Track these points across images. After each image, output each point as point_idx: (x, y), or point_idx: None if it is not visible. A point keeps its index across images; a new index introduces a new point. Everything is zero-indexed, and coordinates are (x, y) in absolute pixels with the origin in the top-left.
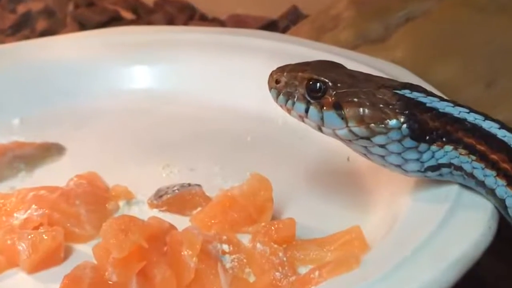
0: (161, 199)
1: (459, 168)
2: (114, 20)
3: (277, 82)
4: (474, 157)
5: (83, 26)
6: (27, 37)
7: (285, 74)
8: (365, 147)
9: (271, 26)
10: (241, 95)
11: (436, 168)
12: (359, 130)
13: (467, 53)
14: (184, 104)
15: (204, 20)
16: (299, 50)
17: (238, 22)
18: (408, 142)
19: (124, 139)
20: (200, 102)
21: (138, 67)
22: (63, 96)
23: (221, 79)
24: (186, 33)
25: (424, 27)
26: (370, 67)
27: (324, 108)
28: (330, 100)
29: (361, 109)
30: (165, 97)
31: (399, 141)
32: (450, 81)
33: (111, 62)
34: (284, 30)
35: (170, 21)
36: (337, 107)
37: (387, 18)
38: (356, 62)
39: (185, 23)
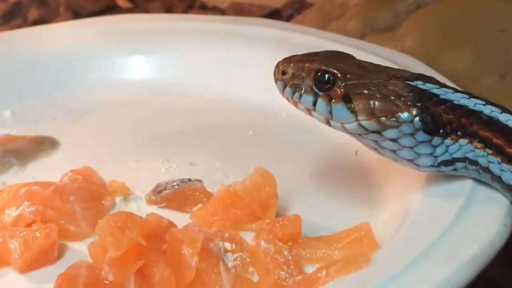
0: (160, 195)
1: (474, 163)
2: (109, 9)
3: (284, 73)
4: (490, 151)
5: (77, 15)
6: (19, 27)
7: (291, 65)
8: (376, 141)
9: (274, 15)
10: (243, 86)
11: (450, 162)
12: (369, 124)
13: (480, 42)
14: (184, 96)
15: (204, 8)
16: (304, 39)
17: (240, 10)
18: (421, 136)
19: (120, 132)
20: (200, 94)
21: (135, 57)
22: (56, 87)
23: (222, 69)
24: (185, 21)
25: (435, 15)
26: (378, 57)
27: (333, 100)
28: (339, 92)
29: (371, 102)
30: (163, 88)
31: (412, 134)
32: (462, 71)
33: (107, 52)
34: (288, 19)
35: (169, 10)
36: (346, 99)
37: (396, 6)
38: (364, 51)
39: (184, 12)
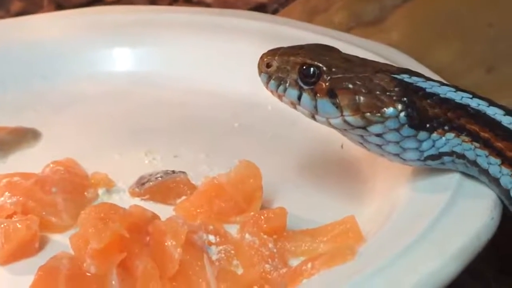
0: (143, 187)
1: (461, 156)
2: (94, 1)
3: (268, 66)
4: (478, 144)
5: (60, 7)
6: (1, 18)
7: (276, 57)
8: (361, 136)
9: (260, 8)
10: (228, 79)
11: (437, 157)
12: (354, 119)
13: (467, 36)
14: (168, 88)
15: (190, 2)
16: (290, 32)
17: (225, 4)
18: (406, 131)
19: (104, 124)
20: (184, 86)
21: (119, 49)
22: (39, 78)
23: (207, 62)
24: (170, 13)
25: (422, 9)
26: (365, 50)
27: (318, 95)
28: (324, 86)
29: (356, 97)
30: (148, 81)
31: (397, 130)
32: (449, 65)
33: (90, 43)
34: (273, 13)
35: (153, 2)
36: (331, 94)
37: None
38: (350, 45)
39: (169, 4)
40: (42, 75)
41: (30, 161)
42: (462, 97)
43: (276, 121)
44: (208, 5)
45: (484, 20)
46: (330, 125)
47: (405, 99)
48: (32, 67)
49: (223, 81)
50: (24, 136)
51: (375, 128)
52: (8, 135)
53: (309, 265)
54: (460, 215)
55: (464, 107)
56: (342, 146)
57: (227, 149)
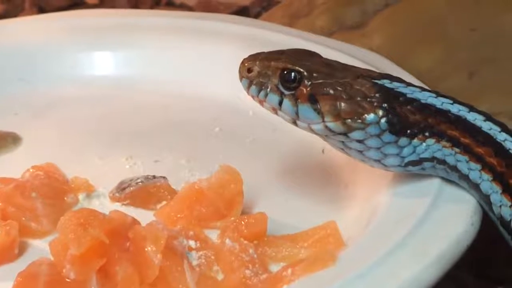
0: (123, 192)
1: (442, 162)
2: (76, 5)
3: (249, 71)
4: (458, 150)
5: (42, 10)
6: None
7: (257, 62)
8: (342, 142)
9: (242, 12)
10: (209, 83)
11: (417, 162)
12: (335, 126)
13: (449, 41)
14: (149, 92)
15: (171, 5)
16: (272, 36)
17: (207, 7)
18: (387, 137)
19: (84, 128)
20: (165, 90)
21: (100, 52)
22: (19, 82)
23: (189, 66)
24: (151, 17)
25: (404, 13)
26: (346, 55)
27: (299, 101)
28: (305, 91)
29: (337, 103)
30: (128, 85)
31: (378, 135)
32: (430, 70)
33: (71, 47)
34: (256, 17)
35: (135, 6)
36: (312, 100)
37: (365, 3)
38: (332, 49)
39: (151, 8)
40: (22, 78)
41: (10, 165)
42: (443, 102)
43: (257, 126)
44: (190, 9)
45: (467, 24)
46: (311, 130)
47: (385, 105)
48: (12, 71)
49: (205, 85)
50: (4, 141)
51: (356, 134)
52: None
53: (290, 270)
54: (440, 221)
55: (445, 113)
56: (323, 151)
57: (208, 154)
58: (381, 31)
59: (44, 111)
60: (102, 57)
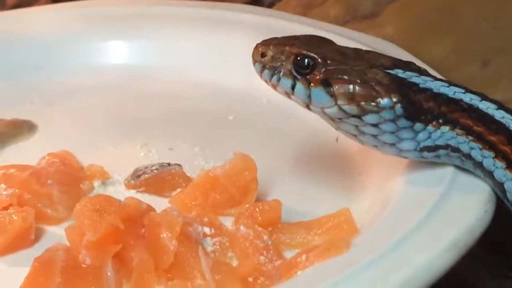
0: (138, 179)
1: (456, 150)
2: None
3: (263, 55)
4: (471, 138)
5: (56, 1)
6: None
7: (271, 47)
8: (356, 126)
9: (256, 1)
10: (223, 71)
11: (433, 149)
12: (349, 108)
13: (462, 31)
14: (163, 81)
15: None
16: (286, 25)
17: None
18: (403, 122)
19: (99, 116)
20: (179, 79)
21: (114, 41)
22: (35, 71)
23: (202, 55)
24: (165, 6)
25: (417, 3)
26: (360, 44)
27: (312, 84)
28: (318, 76)
29: (351, 86)
30: (142, 73)
31: (393, 120)
32: (444, 59)
33: (85, 36)
34: (270, 6)
35: None
36: (325, 84)
37: None
38: (345, 38)
39: None
40: (37, 67)
41: (26, 153)
42: (455, 92)
43: (271, 114)
44: None
45: (479, 14)
46: (325, 114)
47: (400, 92)
48: (27, 60)
49: (219, 74)
50: (20, 129)
51: (371, 118)
52: (4, 127)
53: (304, 257)
54: (454, 208)
55: (457, 102)
56: (337, 140)
57: (222, 141)
58: (394, 21)
59: (59, 99)
60: (117, 46)
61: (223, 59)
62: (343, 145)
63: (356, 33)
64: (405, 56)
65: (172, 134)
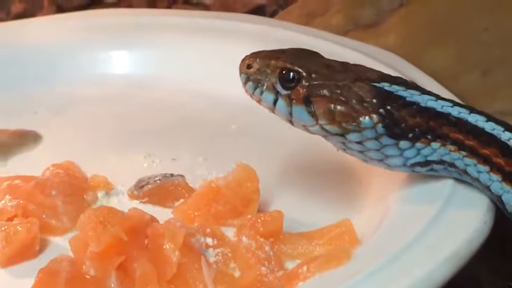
0: (142, 190)
1: (452, 165)
2: (94, 3)
3: (249, 67)
4: (464, 153)
5: (61, 9)
6: (2, 20)
7: (257, 60)
8: (342, 143)
9: (258, 10)
10: (226, 81)
11: (425, 164)
12: (331, 128)
13: (463, 40)
14: (166, 91)
15: (188, 4)
16: (288, 35)
17: (224, 6)
18: (386, 140)
19: (103, 127)
20: (182, 89)
21: (118, 51)
22: (39, 81)
23: (205, 65)
24: (168, 16)
25: (419, 12)
26: (361, 54)
27: (294, 101)
28: (301, 92)
29: (331, 106)
30: (146, 83)
31: (376, 138)
32: (445, 69)
33: (89, 46)
34: (272, 15)
35: (152, 5)
36: (307, 102)
37: (380, 3)
38: (347, 48)
39: (168, 7)
40: (41, 77)
41: (30, 163)
42: (443, 105)
43: (273, 124)
44: (207, 7)
45: (480, 24)
46: (308, 131)
47: (382, 110)
48: (31, 70)
49: (221, 83)
50: (24, 139)
51: (353, 137)
52: (9, 138)
53: (305, 268)
54: (453, 219)
55: (446, 116)
56: (338, 150)
57: (224, 151)
58: (395, 30)
59: (63, 109)
60: (120, 56)
61: (226, 68)
62: (344, 155)
63: (358, 43)
64: (405, 65)
65: (175, 144)
